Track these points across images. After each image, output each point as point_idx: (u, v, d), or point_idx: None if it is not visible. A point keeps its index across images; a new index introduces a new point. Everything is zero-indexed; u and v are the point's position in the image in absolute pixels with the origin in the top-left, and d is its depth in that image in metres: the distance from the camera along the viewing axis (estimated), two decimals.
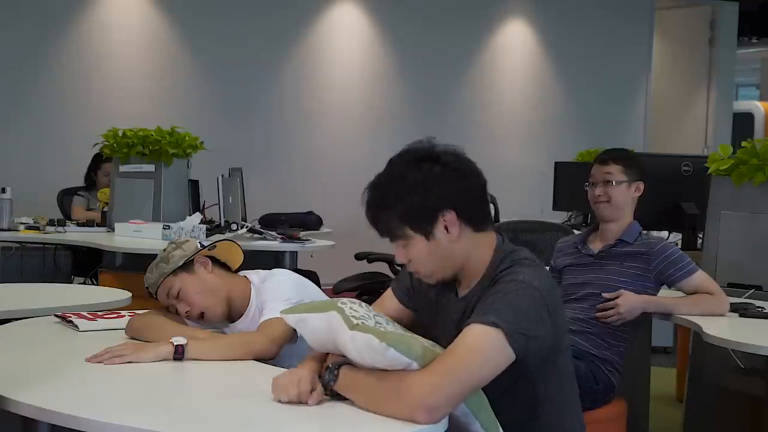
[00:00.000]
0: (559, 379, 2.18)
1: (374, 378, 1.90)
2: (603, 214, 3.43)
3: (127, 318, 2.77)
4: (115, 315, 2.88)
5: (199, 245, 2.77)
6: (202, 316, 2.69)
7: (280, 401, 1.96)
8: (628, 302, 3.23)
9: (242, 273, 2.82)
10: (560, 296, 3.42)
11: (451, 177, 2.06)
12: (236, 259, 2.85)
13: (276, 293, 2.65)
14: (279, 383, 1.99)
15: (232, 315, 2.74)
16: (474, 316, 1.96)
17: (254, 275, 2.79)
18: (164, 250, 2.77)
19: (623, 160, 3.44)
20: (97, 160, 6.50)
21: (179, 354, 2.38)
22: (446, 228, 2.07)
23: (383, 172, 2.10)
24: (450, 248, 2.09)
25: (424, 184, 2.04)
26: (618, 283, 3.31)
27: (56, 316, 2.87)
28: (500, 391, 2.05)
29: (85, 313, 2.87)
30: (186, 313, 2.68)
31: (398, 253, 2.12)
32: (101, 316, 2.85)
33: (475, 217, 2.11)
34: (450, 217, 2.06)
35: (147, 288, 2.75)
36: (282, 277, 2.74)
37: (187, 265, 2.71)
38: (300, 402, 1.94)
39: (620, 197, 3.40)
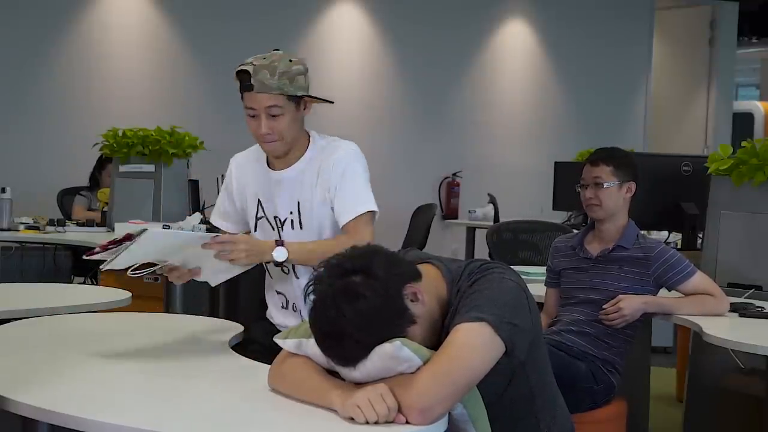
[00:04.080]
0: (545, 367, 2.21)
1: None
2: (595, 217, 3.42)
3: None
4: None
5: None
6: (271, 143, 2.85)
7: (367, 422, 1.80)
8: (631, 305, 3.23)
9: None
10: (558, 299, 3.48)
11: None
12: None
13: (350, 184, 2.80)
14: (360, 402, 1.81)
15: (288, 159, 2.91)
16: (457, 317, 1.96)
17: (318, 135, 2.94)
18: (273, 59, 2.79)
19: (613, 161, 3.38)
20: (103, 161, 6.49)
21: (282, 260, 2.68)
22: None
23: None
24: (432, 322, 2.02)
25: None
26: (617, 287, 3.30)
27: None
28: (499, 391, 2.06)
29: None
30: (261, 134, 2.84)
31: None
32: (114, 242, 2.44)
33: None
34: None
35: (244, 72, 2.80)
36: (353, 162, 2.85)
37: (297, 99, 2.82)
38: (388, 422, 1.80)
39: (610, 200, 3.35)
